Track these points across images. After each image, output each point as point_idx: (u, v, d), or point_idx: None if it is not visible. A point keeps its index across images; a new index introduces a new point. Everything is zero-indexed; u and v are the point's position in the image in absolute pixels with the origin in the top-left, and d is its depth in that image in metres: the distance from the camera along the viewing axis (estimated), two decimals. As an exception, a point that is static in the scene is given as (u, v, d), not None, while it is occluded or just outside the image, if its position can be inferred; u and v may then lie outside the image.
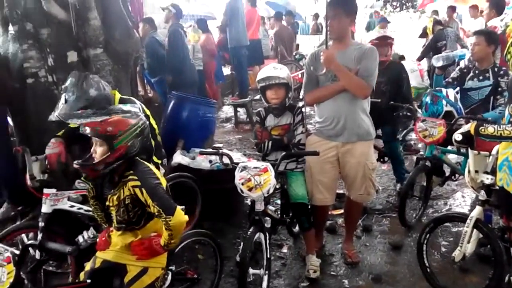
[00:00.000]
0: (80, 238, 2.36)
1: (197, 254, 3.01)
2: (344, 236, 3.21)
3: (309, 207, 2.92)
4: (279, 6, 10.74)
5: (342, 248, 3.15)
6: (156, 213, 1.88)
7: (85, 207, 2.55)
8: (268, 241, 2.55)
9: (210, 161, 3.48)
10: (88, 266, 2.03)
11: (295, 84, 4.47)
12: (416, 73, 6.19)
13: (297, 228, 3.25)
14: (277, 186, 2.94)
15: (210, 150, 2.92)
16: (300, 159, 2.93)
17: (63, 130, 2.61)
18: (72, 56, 3.14)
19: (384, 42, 3.86)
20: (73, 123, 2.37)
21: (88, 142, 1.98)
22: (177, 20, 5.89)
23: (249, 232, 2.46)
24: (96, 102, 2.45)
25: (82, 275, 2.02)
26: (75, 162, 1.95)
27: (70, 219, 2.62)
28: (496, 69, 3.38)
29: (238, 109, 6.64)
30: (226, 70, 8.62)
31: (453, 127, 3.20)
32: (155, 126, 2.78)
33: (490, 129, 2.20)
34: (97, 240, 2.10)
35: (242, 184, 2.48)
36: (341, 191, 3.45)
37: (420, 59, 7.26)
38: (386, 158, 4.22)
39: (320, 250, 3.12)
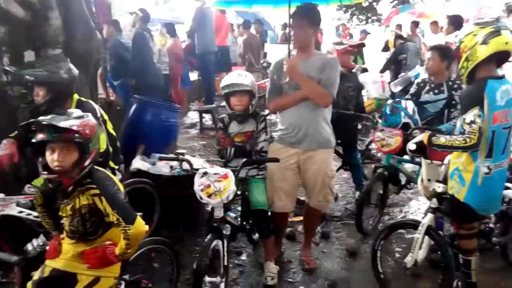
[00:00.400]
0: (29, 246, 2.25)
1: (153, 262, 2.95)
2: (303, 243, 3.24)
3: (269, 214, 2.94)
4: (248, 14, 10.84)
5: (300, 255, 3.18)
6: (115, 222, 1.82)
7: (35, 213, 2.45)
8: (226, 249, 2.53)
9: (171, 167, 3.44)
10: (36, 275, 1.94)
11: (262, 92, 4.52)
12: (378, 84, 6.37)
13: (257, 235, 3.26)
14: (239, 193, 2.95)
15: (169, 155, 2.89)
16: (262, 166, 2.95)
17: (16, 131, 2.51)
18: (29, 56, 3.04)
19: (352, 50, 3.99)
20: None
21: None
22: (145, 24, 5.82)
23: (206, 239, 2.44)
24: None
25: (29, 285, 1.92)
26: (43, 172, 1.81)
27: (18, 225, 2.50)
28: (450, 83, 3.54)
29: (204, 115, 6.61)
30: (193, 76, 8.57)
31: (409, 138, 3.32)
32: (112, 131, 2.73)
33: (442, 139, 2.30)
34: (47, 247, 2.02)
35: (202, 190, 2.46)
36: (302, 198, 3.49)
37: (382, 71, 7.50)
38: (348, 166, 4.33)
39: (279, 257, 3.14)
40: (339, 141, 3.91)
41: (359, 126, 5.39)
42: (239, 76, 2.93)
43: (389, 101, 3.90)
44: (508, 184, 2.97)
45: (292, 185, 2.96)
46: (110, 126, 2.66)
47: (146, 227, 1.91)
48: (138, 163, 3.46)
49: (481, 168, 2.25)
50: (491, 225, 2.86)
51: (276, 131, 3.05)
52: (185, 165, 2.72)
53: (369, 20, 11.02)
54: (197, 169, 2.57)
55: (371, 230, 3.57)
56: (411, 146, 2.46)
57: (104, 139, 2.55)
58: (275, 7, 3.51)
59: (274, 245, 3.02)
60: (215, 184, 2.44)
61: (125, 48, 5.47)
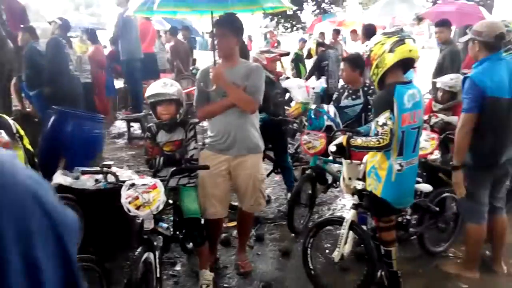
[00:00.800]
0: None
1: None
2: (237, 247, 3.28)
3: (202, 221, 2.93)
4: (175, 21, 10.70)
5: (235, 259, 3.21)
6: None
7: None
8: (158, 260, 2.49)
9: (96, 180, 3.28)
10: None
11: (192, 99, 4.50)
12: (303, 89, 6.64)
13: (191, 244, 3.23)
14: (170, 202, 2.91)
15: (93, 168, 2.77)
16: (193, 174, 2.94)
17: None
18: None
19: (279, 57, 4.12)
20: None
21: None
22: (64, 32, 5.51)
23: (137, 253, 2.37)
24: None
25: None
26: None
27: None
28: (366, 89, 3.81)
29: (132, 124, 6.41)
30: (119, 83, 8.27)
31: (332, 140, 3.52)
32: (29, 147, 2.55)
33: (359, 140, 2.48)
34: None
35: (129, 202, 2.38)
36: (235, 203, 3.53)
37: (307, 78, 7.82)
38: (279, 169, 4.47)
39: (214, 263, 3.15)
40: (270, 146, 4.03)
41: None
42: (164, 85, 2.89)
43: (313, 106, 4.11)
44: (419, 179, 3.29)
45: (224, 191, 2.99)
46: (26, 142, 2.48)
47: None
48: (60, 178, 3.25)
49: (394, 166, 2.46)
50: (407, 217, 3.13)
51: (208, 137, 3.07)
52: (111, 178, 2.62)
53: (294, 28, 11.45)
54: (123, 181, 2.49)
55: (303, 229, 3.71)
56: (332, 148, 2.61)
57: (21, 157, 2.38)
58: (201, 14, 3.52)
59: (208, 252, 3.01)
60: (143, 195, 2.38)
61: (42, 56, 5.12)
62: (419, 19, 9.30)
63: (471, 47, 2.83)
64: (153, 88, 2.89)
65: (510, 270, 3.12)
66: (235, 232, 3.59)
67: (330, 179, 3.94)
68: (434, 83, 4.11)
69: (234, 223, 3.70)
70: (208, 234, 2.97)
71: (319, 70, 7.26)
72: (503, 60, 2.75)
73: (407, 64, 2.47)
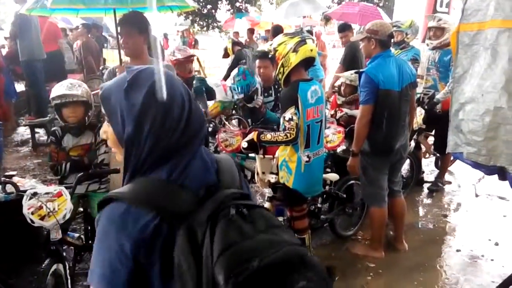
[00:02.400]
0: None
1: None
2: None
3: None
4: (87, 18, 10.06)
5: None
6: None
7: None
8: (69, 272, 2.35)
9: (-5, 192, 3.00)
10: None
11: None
12: (220, 87, 6.69)
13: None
14: (80, 210, 2.76)
15: (-11, 179, 2.53)
16: (103, 179, 2.82)
17: None
18: None
19: (188, 59, 4.04)
20: None
21: None
22: None
23: (44, 265, 2.23)
24: None
25: None
26: None
27: None
28: (276, 86, 3.96)
29: (37, 129, 5.90)
30: (20, 86, 7.58)
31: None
32: None
33: (268, 136, 2.58)
34: None
35: (32, 213, 2.23)
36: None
37: (225, 77, 7.86)
38: None
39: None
40: None
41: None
42: (71, 86, 2.73)
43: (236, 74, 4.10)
44: (328, 169, 3.52)
45: None
46: None
47: None
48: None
49: (302, 158, 2.60)
50: (318, 205, 3.34)
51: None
52: (9, 188, 2.42)
53: (210, 27, 11.47)
54: (23, 191, 2.31)
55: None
56: (244, 144, 2.69)
57: None
58: (105, 13, 3.36)
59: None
60: (47, 204, 2.24)
61: None
62: (327, 19, 9.89)
63: (365, 45, 3.08)
64: (58, 90, 2.71)
65: (410, 247, 3.48)
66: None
67: (249, 175, 4.02)
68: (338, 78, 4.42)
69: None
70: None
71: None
72: (392, 57, 3.05)
73: (308, 62, 2.63)
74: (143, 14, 2.77)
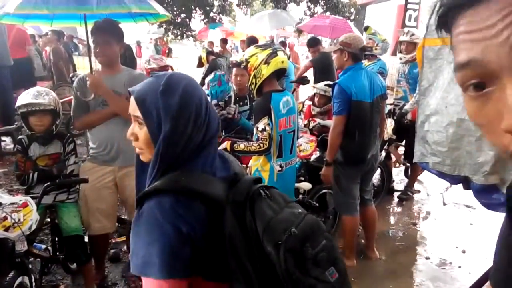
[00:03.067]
0: None
1: None
2: (127, 262, 3.15)
3: (86, 238, 2.76)
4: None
5: (126, 275, 3.08)
6: None
7: None
8: (35, 284, 2.27)
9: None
10: None
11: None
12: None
13: (75, 264, 3.01)
14: (48, 221, 2.68)
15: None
16: (72, 189, 2.75)
17: None
18: None
19: (163, 69, 4.03)
20: None
21: None
22: None
23: (8, 278, 2.14)
24: None
25: None
26: None
27: None
28: (251, 95, 3.98)
29: (3, 138, 5.70)
30: (-14, 93, 7.29)
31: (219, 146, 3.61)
32: None
33: (241, 146, 2.59)
34: None
35: (-4, 224, 2.14)
36: (125, 217, 3.38)
37: (201, 85, 7.84)
38: None
39: (102, 281, 2.97)
40: None
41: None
42: (38, 95, 2.65)
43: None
44: (301, 178, 3.56)
45: (111, 204, 2.85)
46: None
47: None
48: None
49: (275, 167, 2.62)
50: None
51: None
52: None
53: (184, 36, 11.44)
54: (-13, 202, 2.23)
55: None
56: None
57: None
58: (81, 23, 3.29)
59: (95, 269, 2.85)
60: (12, 215, 2.16)
61: None
62: (299, 31, 10.07)
63: (338, 56, 3.14)
64: (24, 98, 2.63)
65: (381, 255, 3.55)
66: (125, 247, 3.44)
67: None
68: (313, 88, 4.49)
69: (123, 238, 3.55)
70: (93, 251, 2.81)
71: None
72: (363, 69, 3.14)
73: (279, 73, 2.67)
74: (117, 22, 2.74)
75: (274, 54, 2.53)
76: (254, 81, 2.59)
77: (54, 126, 2.70)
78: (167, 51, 15.40)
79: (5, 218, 2.16)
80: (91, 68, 2.80)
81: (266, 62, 2.51)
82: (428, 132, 2.06)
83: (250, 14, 12.46)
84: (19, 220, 2.17)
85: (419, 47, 2.13)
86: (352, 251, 3.38)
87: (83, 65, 8.62)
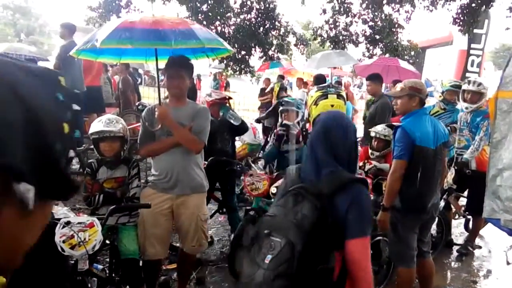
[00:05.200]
0: None
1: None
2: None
3: (141, 263, 2.84)
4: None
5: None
6: None
7: None
8: (92, 304, 2.36)
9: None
10: None
11: (137, 134, 4.41)
12: (250, 130, 6.80)
13: (128, 287, 3.09)
14: (107, 242, 2.79)
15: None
16: (133, 212, 2.87)
17: None
18: None
19: (223, 100, 4.17)
20: None
21: None
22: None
23: (69, 296, 2.24)
24: None
25: None
26: None
27: None
28: (304, 133, 3.99)
29: (70, 158, 6.11)
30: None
31: (274, 182, 3.63)
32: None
33: None
34: None
35: (64, 242, 2.28)
36: (177, 245, 3.45)
37: (262, 119, 7.89)
38: (224, 209, 4.44)
39: (152, 307, 3.02)
40: (218, 186, 4.02)
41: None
42: (109, 123, 2.87)
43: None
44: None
45: (166, 231, 2.93)
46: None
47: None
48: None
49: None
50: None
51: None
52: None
53: (242, 72, 11.87)
54: (58, 219, 2.38)
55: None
56: (273, 189, 2.71)
57: None
58: (146, 60, 3.55)
59: (145, 295, 2.90)
60: (79, 234, 2.29)
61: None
62: (355, 72, 10.09)
63: (405, 101, 3.05)
64: (97, 126, 2.84)
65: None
66: (175, 275, 3.49)
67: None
68: (368, 132, 4.42)
69: (174, 265, 3.60)
70: (146, 276, 2.87)
71: (276, 114, 7.47)
72: (427, 115, 3.07)
73: None
74: (189, 58, 2.93)
75: (324, 97, 2.61)
76: (309, 118, 2.68)
77: (122, 152, 2.87)
78: (224, 85, 15.99)
79: (72, 237, 2.30)
80: (159, 99, 2.98)
81: (316, 103, 2.59)
82: (501, 187, 1.96)
83: (307, 53, 12.68)
84: (84, 239, 2.29)
85: (492, 99, 2.07)
86: (407, 305, 3.19)
87: (147, 95, 9.16)
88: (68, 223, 2.33)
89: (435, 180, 3.03)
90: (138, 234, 2.85)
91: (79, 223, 2.35)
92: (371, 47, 11.29)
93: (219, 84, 15.60)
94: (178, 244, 3.41)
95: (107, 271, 2.82)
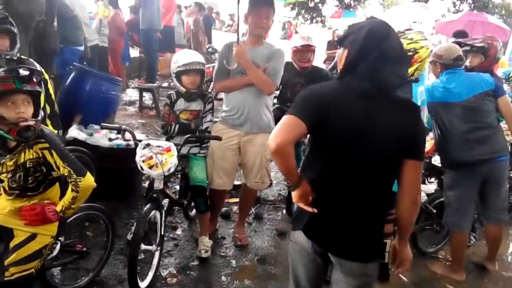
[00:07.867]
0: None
1: (87, 231, 2.91)
2: (237, 221, 3.38)
3: (207, 191, 3.03)
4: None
5: (234, 232, 3.32)
6: (67, 174, 1.84)
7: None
8: (163, 220, 2.58)
9: (110, 139, 3.38)
10: None
11: (206, 77, 4.51)
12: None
13: (193, 212, 3.33)
14: (179, 169, 2.98)
15: (112, 125, 2.85)
16: (204, 144, 3.02)
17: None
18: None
19: (308, 48, 4.00)
20: None
21: None
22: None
23: (145, 209, 2.46)
24: None
25: None
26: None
27: None
28: None
29: (144, 93, 6.45)
30: (134, 52, 8.29)
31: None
32: (52, 92, 2.62)
33: None
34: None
35: (143, 161, 2.48)
36: (239, 183, 3.61)
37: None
38: None
39: (213, 233, 3.25)
40: None
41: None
42: (195, 55, 2.96)
43: None
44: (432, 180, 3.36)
45: (232, 165, 3.07)
46: (50, 86, 2.56)
47: (94, 183, 1.93)
48: (75, 132, 3.36)
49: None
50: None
51: (217, 116, 3.13)
52: (127, 136, 2.71)
53: (314, 20, 11.44)
54: (140, 140, 2.58)
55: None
56: None
57: (42, 98, 2.46)
58: None
59: (209, 221, 3.12)
60: (157, 156, 2.47)
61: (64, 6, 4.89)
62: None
63: (432, 68, 3.04)
64: (185, 57, 2.90)
65: (497, 278, 3.22)
66: (235, 208, 3.68)
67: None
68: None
69: (235, 199, 3.80)
70: (211, 204, 3.06)
71: None
72: (455, 73, 2.93)
73: None
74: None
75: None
76: (414, 73, 2.45)
77: (202, 86, 2.98)
78: (293, 34, 15.54)
79: (150, 158, 2.49)
80: (238, 39, 2.98)
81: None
82: None
83: (386, 4, 11.87)
84: (162, 161, 2.47)
85: None
86: (461, 265, 3.14)
87: (221, 39, 9.15)
88: (148, 145, 2.52)
89: (467, 133, 2.85)
90: (207, 165, 3.02)
91: (158, 146, 2.53)
92: (457, 2, 10.30)
93: (287, 34, 15.19)
94: (239, 182, 3.58)
95: (177, 195, 3.05)
